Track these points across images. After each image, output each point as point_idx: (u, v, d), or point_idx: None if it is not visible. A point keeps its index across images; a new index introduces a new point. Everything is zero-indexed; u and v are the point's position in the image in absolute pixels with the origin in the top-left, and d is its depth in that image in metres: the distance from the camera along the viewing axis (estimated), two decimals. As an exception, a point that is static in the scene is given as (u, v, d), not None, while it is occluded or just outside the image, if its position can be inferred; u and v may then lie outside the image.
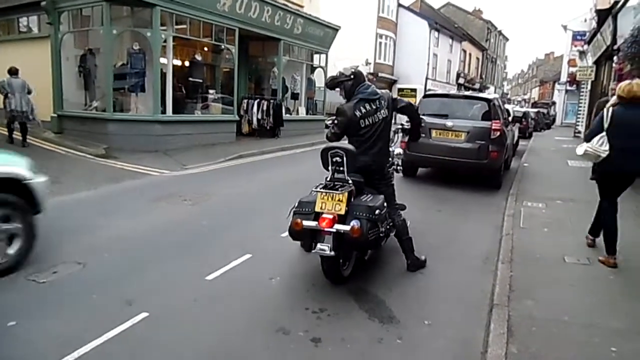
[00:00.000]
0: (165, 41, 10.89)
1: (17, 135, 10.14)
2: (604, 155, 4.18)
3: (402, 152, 5.35)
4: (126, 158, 9.37)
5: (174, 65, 11.64)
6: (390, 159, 4.78)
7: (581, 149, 4.38)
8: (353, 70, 4.07)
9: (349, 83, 4.02)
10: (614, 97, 4.34)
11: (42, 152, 9.73)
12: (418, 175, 9.09)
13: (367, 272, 4.15)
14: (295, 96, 16.77)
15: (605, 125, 4.18)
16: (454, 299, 3.79)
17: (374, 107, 3.95)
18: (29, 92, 10.17)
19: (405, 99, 4.50)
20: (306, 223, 3.55)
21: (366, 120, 3.94)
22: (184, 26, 11.58)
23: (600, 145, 4.19)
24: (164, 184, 7.83)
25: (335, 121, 4.14)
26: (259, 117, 14.35)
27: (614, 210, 4.41)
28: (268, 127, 14.44)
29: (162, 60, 10.95)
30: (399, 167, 5.24)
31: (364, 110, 3.93)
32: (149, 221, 5.60)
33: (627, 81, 4.28)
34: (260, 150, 11.75)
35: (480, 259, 4.74)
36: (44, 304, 3.41)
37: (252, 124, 14.48)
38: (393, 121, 4.29)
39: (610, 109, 4.22)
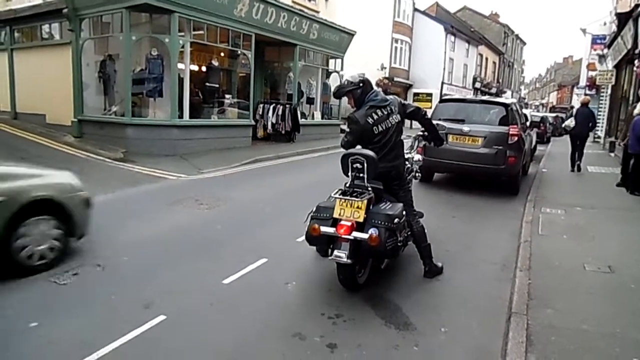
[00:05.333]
0: (182, 47, 11.02)
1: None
2: None
3: (421, 159, 5.29)
4: (144, 162, 9.50)
5: (191, 71, 11.77)
6: (409, 165, 4.76)
7: None
8: (361, 78, 4.04)
9: (358, 91, 4.00)
10: None
11: (62, 155, 9.93)
12: (434, 181, 9.03)
13: (383, 279, 4.13)
14: (310, 101, 16.83)
15: None
16: (471, 307, 3.75)
17: (385, 113, 3.95)
18: None
19: (414, 104, 4.52)
20: (324, 229, 3.55)
21: (379, 126, 3.93)
22: (202, 32, 11.70)
23: None
24: (181, 188, 7.91)
25: (348, 129, 4.15)
26: (275, 121, 14.42)
27: None
28: (283, 132, 14.50)
29: (180, 65, 11.08)
30: (417, 174, 5.20)
31: (376, 117, 3.92)
32: (166, 225, 5.66)
33: None
34: (275, 155, 11.80)
35: (498, 266, 4.68)
36: (64, 306, 3.47)
37: (268, 129, 14.56)
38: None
39: None
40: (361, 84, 3.99)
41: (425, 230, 4.22)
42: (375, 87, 4.13)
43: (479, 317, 3.57)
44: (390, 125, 3.96)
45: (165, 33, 10.62)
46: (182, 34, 10.93)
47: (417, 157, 5.35)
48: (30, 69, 13.70)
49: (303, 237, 4.65)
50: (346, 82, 4.06)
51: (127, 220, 5.82)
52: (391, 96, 4.17)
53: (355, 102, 4.05)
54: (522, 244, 5.16)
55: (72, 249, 4.58)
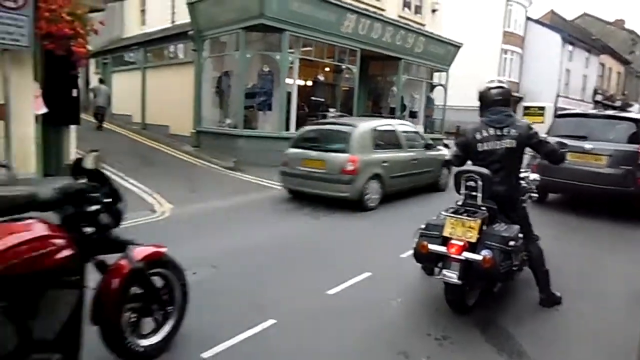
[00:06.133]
0: (292, 63, 11.58)
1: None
2: None
3: (538, 178, 4.94)
4: (253, 171, 10.07)
5: (298, 85, 12.31)
6: (524, 184, 4.48)
7: None
8: (480, 91, 3.89)
9: (482, 102, 3.89)
10: None
11: (182, 163, 10.92)
12: (548, 202, 8.38)
13: (494, 303, 3.91)
14: (413, 114, 16.61)
15: None
16: (595, 343, 3.40)
17: (497, 134, 3.71)
18: (109, 96, 15.65)
19: (551, 141, 4.05)
20: (433, 247, 3.45)
21: (484, 145, 3.73)
22: (309, 48, 12.20)
23: None
24: (286, 198, 8.23)
25: (457, 141, 4.02)
26: (376, 135, 14.43)
27: None
28: (384, 145, 14.45)
29: (288, 80, 11.64)
30: (534, 195, 4.86)
31: (484, 134, 3.74)
32: (273, 233, 5.93)
33: None
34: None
35: (626, 299, 4.20)
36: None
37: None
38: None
39: None
40: (479, 98, 3.87)
41: (544, 255, 3.93)
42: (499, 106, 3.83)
43: (603, 354, 3.23)
44: (498, 147, 3.70)
45: (276, 50, 11.23)
46: (292, 50, 11.48)
47: (534, 176, 5.00)
48: (158, 86, 15.33)
49: (408, 253, 4.61)
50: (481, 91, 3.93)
51: (237, 226, 6.21)
52: (523, 121, 3.89)
53: (480, 110, 3.94)
54: (657, 276, 4.59)
55: (191, 249, 5.00)
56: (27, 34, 6.12)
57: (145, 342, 2.83)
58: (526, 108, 30.51)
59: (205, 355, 2.95)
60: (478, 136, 3.77)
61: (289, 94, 11.76)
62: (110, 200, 2.54)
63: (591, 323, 3.70)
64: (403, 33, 14.43)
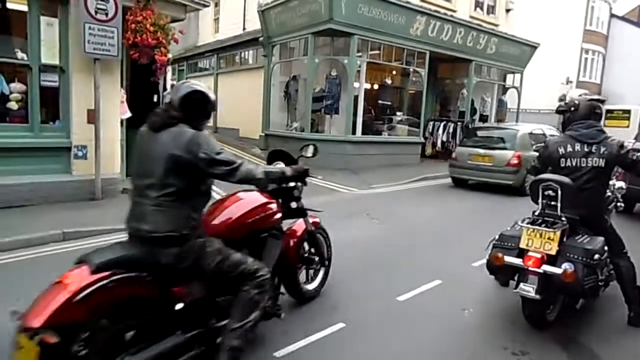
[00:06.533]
0: (359, 67, 11.59)
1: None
2: None
3: (624, 186, 4.57)
4: (319, 174, 10.15)
5: (365, 89, 12.29)
6: (609, 193, 4.16)
7: None
8: (575, 101, 3.57)
9: (567, 114, 3.60)
10: None
11: (251, 166, 11.25)
12: (635, 212, 7.73)
13: (577, 320, 3.66)
14: (483, 118, 16.01)
15: None
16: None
17: (584, 150, 3.41)
18: None
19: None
20: (508, 259, 3.27)
21: (567, 160, 3.46)
22: (377, 52, 12.15)
23: None
24: (353, 201, 8.25)
25: (538, 153, 3.82)
26: (444, 139, 14.10)
27: None
28: (454, 150, 14.05)
29: (355, 84, 11.65)
30: (619, 204, 4.49)
31: (569, 149, 3.46)
32: (343, 236, 5.90)
33: None
34: (444, 174, 11.46)
35: None
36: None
37: (437, 146, 14.30)
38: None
39: None
40: (572, 108, 3.57)
41: (635, 270, 3.62)
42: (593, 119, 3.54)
43: None
44: (584, 165, 3.41)
45: (344, 54, 11.29)
46: (360, 54, 11.50)
47: (620, 184, 4.63)
48: (229, 90, 15.96)
49: (479, 262, 4.47)
50: (564, 102, 3.66)
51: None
52: (614, 138, 3.51)
53: (563, 124, 3.69)
54: None
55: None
56: (116, 45, 6.62)
57: (309, 287, 3.84)
58: (609, 111, 28.18)
59: (277, 354, 3.01)
60: (562, 150, 3.50)
61: (356, 98, 11.77)
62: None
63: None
64: (474, 34, 13.95)
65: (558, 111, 3.72)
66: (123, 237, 2.61)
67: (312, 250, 3.87)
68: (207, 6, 8.79)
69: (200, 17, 19.13)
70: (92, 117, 6.69)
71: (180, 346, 2.43)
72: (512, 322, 3.59)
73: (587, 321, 3.68)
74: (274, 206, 3.19)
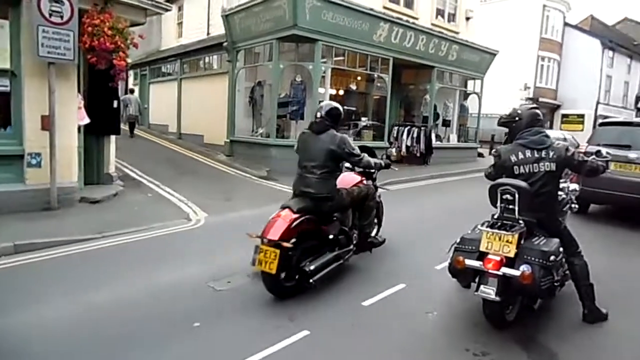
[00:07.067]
0: (324, 72, 11.64)
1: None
2: None
3: (577, 188, 4.76)
4: (285, 180, 10.08)
5: (330, 95, 12.33)
6: (563, 195, 4.33)
7: None
8: (518, 111, 3.80)
9: (513, 125, 3.78)
10: None
11: (216, 172, 11.10)
12: (590, 213, 8.06)
13: (536, 319, 3.77)
14: (446, 123, 16.37)
15: None
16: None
17: (535, 155, 3.59)
18: (139, 105, 16.49)
19: (597, 161, 3.87)
20: (469, 262, 3.37)
21: (521, 167, 3.62)
22: (342, 58, 12.24)
23: None
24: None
25: (493, 161, 3.96)
26: (409, 144, 14.31)
27: None
28: (418, 154, 14.31)
29: (320, 90, 11.68)
30: (574, 206, 4.68)
31: (520, 157, 3.62)
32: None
33: None
34: (409, 178, 11.67)
35: (678, 318, 3.97)
36: (220, 311, 3.82)
37: (402, 151, 14.50)
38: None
39: None
40: (516, 118, 3.77)
41: (589, 268, 3.76)
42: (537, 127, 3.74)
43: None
44: (537, 171, 3.58)
45: (308, 60, 11.32)
46: (324, 60, 11.55)
47: (573, 186, 4.84)
48: (193, 96, 15.72)
49: (442, 265, 4.54)
50: (509, 114, 3.87)
51: (271, 235, 6.24)
52: (560, 142, 3.73)
53: (509, 135, 3.86)
54: None
55: (228, 257, 5.05)
56: (72, 49, 6.39)
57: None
58: (564, 116, 29.59)
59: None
60: (514, 158, 3.66)
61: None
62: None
63: (636, 341, 3.51)
64: (436, 41, 14.28)
65: (500, 123, 3.89)
66: (81, 249, 2.56)
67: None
68: (169, 10, 8.65)
69: (162, 21, 18.82)
70: (47, 123, 6.42)
71: (331, 260, 4.28)
72: (474, 323, 3.66)
73: (545, 320, 3.79)
74: (367, 182, 5.07)
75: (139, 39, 7.52)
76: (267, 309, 3.86)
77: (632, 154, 6.92)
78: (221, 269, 4.73)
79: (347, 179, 4.81)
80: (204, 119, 14.73)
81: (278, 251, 3.69)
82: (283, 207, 4.03)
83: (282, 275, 3.91)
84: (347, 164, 4.79)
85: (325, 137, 4.17)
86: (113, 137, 8.40)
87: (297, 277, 4.03)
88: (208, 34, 15.72)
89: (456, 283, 4.23)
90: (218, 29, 13.89)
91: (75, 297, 3.95)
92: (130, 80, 20.64)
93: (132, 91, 17.39)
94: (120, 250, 5.36)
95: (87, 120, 7.28)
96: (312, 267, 4.00)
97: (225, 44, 12.79)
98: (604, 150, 4.21)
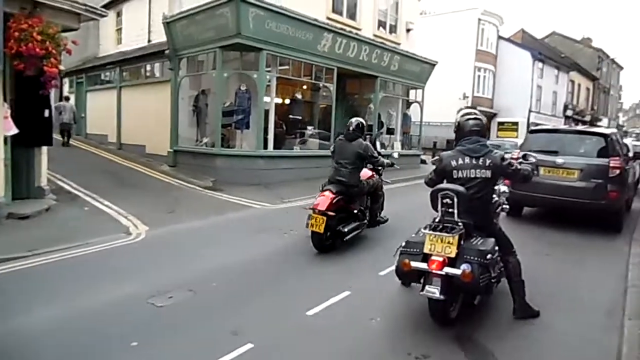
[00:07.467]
0: (269, 81, 11.61)
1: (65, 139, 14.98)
2: None
3: (507, 190, 5.09)
4: (231, 190, 9.97)
5: (275, 104, 12.32)
6: (495, 197, 4.59)
7: None
8: (457, 122, 4.11)
9: (455, 132, 4.12)
10: None
11: (159, 184, 10.74)
12: (523, 215, 8.52)
13: (475, 318, 3.93)
14: (390, 131, 16.80)
15: None
16: (571, 357, 3.44)
17: (472, 162, 3.87)
18: (74, 113, 15.73)
19: (526, 166, 4.23)
20: (414, 264, 3.55)
21: (460, 172, 3.88)
22: (287, 67, 12.26)
23: None
24: (265, 216, 8.18)
25: (434, 166, 4.21)
26: (354, 152, 14.52)
27: None
28: (363, 162, 14.53)
29: (266, 99, 11.64)
30: (505, 206, 4.98)
31: (460, 162, 3.90)
32: (252, 252, 5.86)
33: None
34: (355, 185, 11.82)
35: (602, 312, 4.26)
36: (161, 327, 3.68)
37: (347, 159, 14.67)
38: None
39: None
40: (455, 129, 4.10)
41: (521, 266, 4.00)
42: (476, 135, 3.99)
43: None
44: (473, 176, 3.85)
45: (253, 69, 11.25)
46: (269, 69, 11.52)
47: (504, 188, 5.16)
48: (134, 105, 15.15)
49: (386, 271, 4.66)
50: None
51: (215, 247, 6.11)
52: (497, 152, 3.97)
53: (454, 142, 4.14)
54: (630, 288, 4.67)
55: (169, 272, 4.89)
56: (-4, 54, 6.00)
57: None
58: (500, 124, 31.30)
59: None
60: (454, 163, 3.91)
61: (267, 112, 11.74)
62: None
63: (568, 337, 3.74)
64: (379, 52, 14.66)
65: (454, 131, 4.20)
66: (8, 269, 2.37)
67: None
68: (104, 16, 8.33)
69: (100, 27, 18.09)
70: (-31, 134, 5.98)
71: (355, 227, 6.03)
72: (415, 327, 3.76)
73: (483, 319, 3.96)
74: (374, 175, 6.65)
75: (73, 45, 7.18)
76: (211, 323, 3.77)
77: (559, 159, 7.39)
78: (163, 283, 4.57)
79: (364, 173, 6.38)
80: (145, 128, 14.24)
81: (325, 218, 5.49)
82: (323, 190, 5.82)
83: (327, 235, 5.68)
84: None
85: (355, 144, 6.04)
86: (45, 148, 7.94)
87: (332, 238, 5.80)
88: (149, 41, 15.27)
89: (399, 288, 4.36)
90: (160, 36, 13.50)
91: (2, 321, 3.67)
92: (66, 88, 19.67)
93: (67, 98, 16.55)
94: (52, 268, 5.06)
95: (14, 131, 6.84)
96: (345, 230, 5.82)
97: (167, 51, 12.46)
98: (530, 155, 4.59)
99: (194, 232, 6.95)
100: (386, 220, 6.81)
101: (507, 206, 5.17)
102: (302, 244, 6.34)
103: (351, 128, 6.11)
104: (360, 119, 6.33)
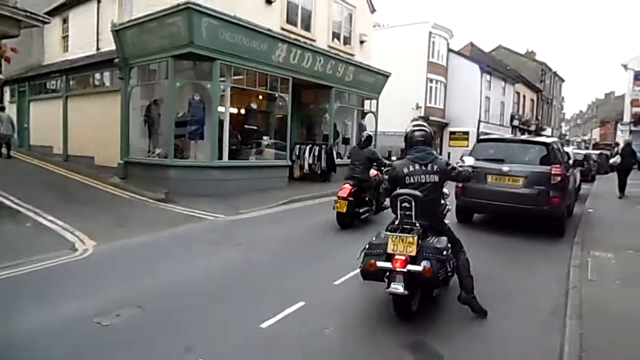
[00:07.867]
0: (223, 91, 11.49)
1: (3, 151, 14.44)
2: None
3: (447, 192, 5.55)
4: (185, 202, 9.74)
5: (230, 114, 12.17)
6: (443, 201, 5.05)
7: None
8: (406, 133, 4.53)
9: (405, 143, 4.55)
10: None
11: (108, 197, 10.34)
12: (473, 222, 8.81)
13: (425, 322, 4.03)
14: (346, 141, 17.00)
15: None
16: (518, 356, 3.57)
17: (422, 169, 4.28)
18: (12, 123, 14.89)
19: (466, 168, 4.82)
20: (380, 263, 3.84)
21: (411, 178, 4.27)
22: (241, 77, 12.18)
23: None
24: (220, 228, 8.04)
25: (387, 175, 4.68)
26: (311, 162, 14.61)
27: None
28: (319, 172, 14.64)
29: (220, 109, 11.50)
30: (448, 207, 5.69)
31: (411, 169, 4.30)
32: (205, 266, 5.74)
33: None
34: (311, 195, 11.88)
35: (545, 313, 4.46)
36: (108, 348, 3.52)
37: (304, 169, 14.74)
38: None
39: None
40: (404, 139, 4.52)
41: (470, 263, 4.31)
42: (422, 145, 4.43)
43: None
44: (424, 181, 4.25)
45: (207, 79, 11.11)
46: (223, 79, 11.40)
47: (445, 190, 5.41)
48: (82, 115, 14.58)
49: (342, 279, 4.72)
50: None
51: (167, 261, 5.94)
52: (441, 158, 4.44)
53: (405, 151, 4.57)
54: (571, 289, 4.91)
55: (116, 289, 4.70)
56: None
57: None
58: (452, 133, 32.36)
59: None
60: (405, 170, 4.31)
61: (222, 123, 11.60)
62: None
63: (513, 338, 3.90)
64: (333, 63, 14.85)
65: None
66: None
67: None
68: (47, 23, 8.00)
69: (45, 34, 17.36)
70: None
71: (367, 210, 8.41)
72: (368, 334, 3.79)
73: (433, 323, 4.05)
74: (379, 174, 8.59)
75: (12, 53, 6.84)
76: (161, 340, 3.65)
77: (505, 167, 7.72)
78: (110, 301, 4.39)
79: (372, 172, 8.46)
80: (94, 139, 13.73)
81: (346, 202, 7.69)
82: (345, 183, 8.01)
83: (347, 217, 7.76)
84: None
85: (366, 150, 8.31)
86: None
87: (351, 218, 7.96)
88: (98, 49, 14.79)
89: (352, 296, 4.40)
90: (109, 44, 13.07)
91: None
92: (7, 97, 18.70)
93: (2, 108, 15.56)
94: (-12, 289, 4.74)
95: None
96: (360, 211, 8.14)
97: (116, 60, 12.09)
98: (466, 158, 5.30)
99: (145, 246, 6.72)
100: (388, 207, 7.06)
101: (449, 207, 5.92)
102: (258, 255, 6.29)
103: (362, 139, 8.58)
104: (369, 133, 9.14)
